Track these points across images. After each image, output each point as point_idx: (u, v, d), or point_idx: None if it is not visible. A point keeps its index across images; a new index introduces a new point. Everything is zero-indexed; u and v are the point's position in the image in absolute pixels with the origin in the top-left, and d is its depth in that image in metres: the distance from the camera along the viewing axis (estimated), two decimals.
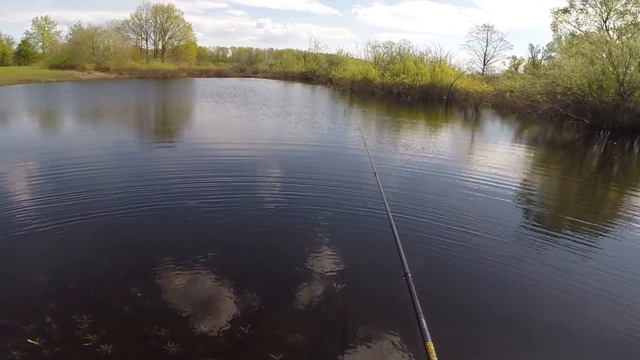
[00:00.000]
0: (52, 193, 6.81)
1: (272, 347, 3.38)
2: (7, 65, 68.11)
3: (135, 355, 3.26)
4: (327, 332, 3.73)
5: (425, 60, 37.33)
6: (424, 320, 1.00)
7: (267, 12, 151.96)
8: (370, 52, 43.83)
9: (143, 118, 18.33)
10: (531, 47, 44.42)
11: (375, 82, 35.86)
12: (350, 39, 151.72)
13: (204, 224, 5.90)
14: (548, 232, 6.54)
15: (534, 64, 39.65)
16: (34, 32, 74.97)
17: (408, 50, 39.99)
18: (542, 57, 42.12)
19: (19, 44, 74.53)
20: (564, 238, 6.28)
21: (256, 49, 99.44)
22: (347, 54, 51.86)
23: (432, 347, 0.92)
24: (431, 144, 14.24)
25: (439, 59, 37.05)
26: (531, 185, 9.84)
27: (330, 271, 4.71)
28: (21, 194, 6.87)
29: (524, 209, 7.94)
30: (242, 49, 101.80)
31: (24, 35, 74.53)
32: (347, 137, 14.40)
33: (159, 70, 50.45)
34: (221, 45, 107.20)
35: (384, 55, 41.16)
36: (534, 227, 6.77)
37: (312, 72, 52.54)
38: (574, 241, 6.11)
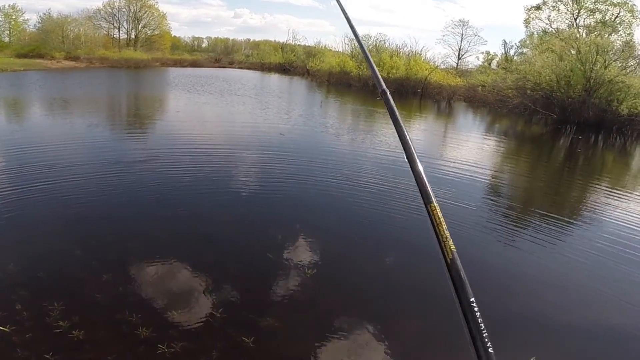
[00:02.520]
0: (21, 183, 6.67)
1: (245, 331, 3.48)
2: None
3: (107, 340, 3.30)
4: (298, 316, 3.86)
5: (401, 53, 37.69)
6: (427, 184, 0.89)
7: (245, 3, 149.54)
8: (348, 44, 43.92)
9: (114, 108, 17.96)
10: (504, 42, 45.38)
11: (352, 74, 36.02)
12: (329, 32, 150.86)
13: (175, 213, 5.94)
14: (514, 222, 6.84)
15: (506, 59, 40.61)
16: (1, 21, 71.85)
17: (384, 43, 40.30)
18: (515, 53, 43.13)
19: None
20: (528, 228, 6.59)
21: (233, 39, 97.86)
22: (325, 46, 51.83)
23: (436, 208, 0.84)
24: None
25: (414, 53, 37.47)
26: (500, 177, 10.22)
27: (302, 260, 4.83)
28: None
29: (492, 199, 8.27)
30: (219, 39, 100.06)
31: None
32: (322, 127, 14.50)
33: (131, 59, 49.23)
34: (197, 35, 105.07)
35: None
36: (500, 217, 7.07)
37: (289, 63, 52.18)
38: (538, 231, 6.42)
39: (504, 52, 45.09)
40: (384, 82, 1.31)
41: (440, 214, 0.87)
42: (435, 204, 0.89)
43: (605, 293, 4.66)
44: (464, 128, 19.42)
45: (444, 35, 54.69)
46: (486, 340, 0.72)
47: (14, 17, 72.02)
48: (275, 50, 59.53)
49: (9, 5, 71.75)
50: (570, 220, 7.29)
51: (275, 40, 67.75)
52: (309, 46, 56.38)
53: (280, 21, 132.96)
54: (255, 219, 5.98)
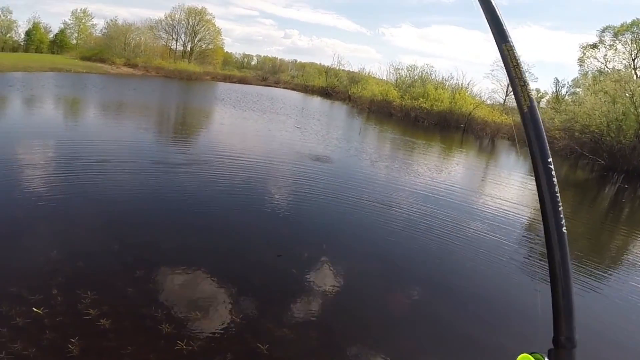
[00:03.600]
0: (72, 175, 7.17)
1: (260, 338, 3.58)
2: (42, 52, 70.56)
3: (130, 331, 3.48)
4: (313, 333, 3.91)
5: (446, 86, 37.57)
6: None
7: (296, 24, 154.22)
8: (393, 73, 44.20)
9: (163, 116, 18.86)
10: (556, 81, 44.29)
11: (394, 103, 36.11)
12: (374, 58, 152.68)
13: (208, 222, 6.17)
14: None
15: (557, 98, 39.55)
16: (71, 23, 77.55)
17: (430, 74, 40.32)
18: (566, 92, 41.95)
19: (56, 34, 77.16)
20: None
21: (280, 59, 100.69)
22: (369, 73, 52.43)
23: (512, 47, 0.73)
24: (443, 169, 14.37)
25: (460, 86, 37.27)
26: (539, 221, 9.89)
27: (324, 280, 4.88)
28: (43, 176, 7.22)
29: (530, 237, 8.05)
30: (267, 58, 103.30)
31: (62, 25, 77.18)
32: (358, 152, 14.59)
33: (184, 71, 51.44)
34: (247, 52, 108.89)
35: (405, 77, 41.56)
36: (537, 256, 6.85)
37: (332, 87, 53.04)
38: (575, 273, 6.15)
39: (555, 90, 44.02)
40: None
41: (516, 55, 0.76)
42: (511, 43, 0.76)
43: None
44: (506, 167, 18.98)
45: (492, 70, 53.90)
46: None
47: (83, 20, 77.73)
48: (319, 74, 60.70)
49: (80, 9, 77.56)
50: (611, 267, 6.99)
51: (320, 63, 69.17)
52: (352, 72, 57.12)
53: (327, 45, 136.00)
54: (283, 235, 6.11)
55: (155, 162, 9.24)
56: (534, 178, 0.80)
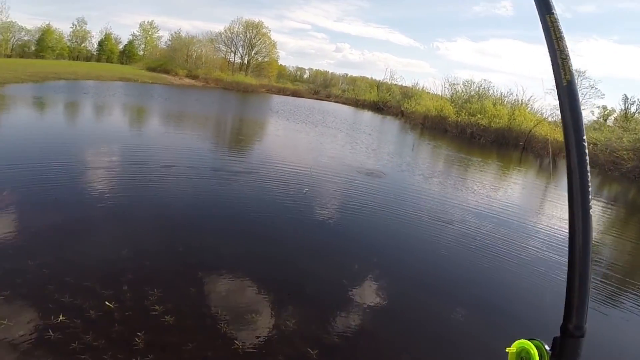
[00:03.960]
0: (138, 179, 7.69)
1: (310, 344, 3.69)
2: (112, 62, 76.27)
3: (191, 329, 3.67)
4: (362, 342, 3.93)
5: (505, 102, 36.25)
6: None
7: (347, 38, 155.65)
8: (448, 88, 43.26)
9: (222, 126, 19.68)
10: (625, 98, 41.40)
11: (449, 119, 35.18)
12: (428, 73, 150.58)
13: (266, 231, 6.35)
14: (611, 299, 6.17)
15: (625, 116, 36.98)
16: (139, 35, 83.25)
17: (488, 90, 39.04)
18: (636, 109, 39.14)
19: (125, 45, 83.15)
20: (625, 306, 5.90)
21: (332, 73, 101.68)
22: (423, 88, 51.61)
23: (557, 20, 0.69)
24: (500, 188, 13.84)
25: (520, 102, 35.80)
26: (603, 242, 9.26)
27: (374, 292, 4.87)
28: (114, 178, 7.82)
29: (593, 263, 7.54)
30: (319, 72, 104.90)
31: (130, 37, 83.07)
32: (411, 167, 14.41)
33: (241, 83, 53.26)
34: (300, 66, 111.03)
35: (462, 93, 40.55)
36: (598, 283, 6.42)
37: (383, 102, 52.71)
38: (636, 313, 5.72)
39: (623, 108, 41.13)
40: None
41: (560, 27, 0.73)
42: (555, 15, 0.73)
43: None
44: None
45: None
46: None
47: (150, 32, 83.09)
48: (371, 88, 60.68)
49: (147, 22, 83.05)
50: None
51: (371, 78, 69.24)
52: (405, 86, 56.55)
53: (378, 59, 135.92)
54: (335, 246, 6.17)
55: (214, 169, 9.69)
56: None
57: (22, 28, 74.13)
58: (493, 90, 38.70)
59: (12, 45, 72.76)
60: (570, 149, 0.74)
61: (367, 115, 42.62)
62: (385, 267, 5.68)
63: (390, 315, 4.49)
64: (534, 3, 0.76)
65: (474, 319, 4.77)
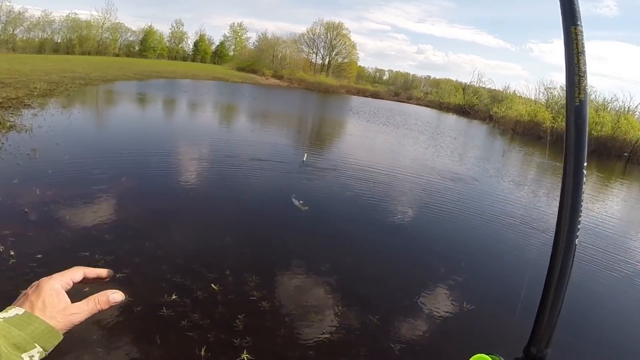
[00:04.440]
0: (239, 171, 8.15)
1: (394, 339, 3.79)
2: (205, 62, 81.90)
3: (285, 316, 3.90)
4: (447, 342, 3.83)
5: (608, 108, 32.82)
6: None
7: (430, 39, 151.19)
8: (543, 92, 40.13)
9: (303, 126, 20.18)
10: None
11: (544, 125, 32.61)
12: (520, 76, 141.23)
13: (336, 233, 6.38)
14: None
15: None
16: (230, 36, 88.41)
17: (590, 95, 35.50)
18: None
19: (217, 45, 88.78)
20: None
21: (413, 74, 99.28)
22: (514, 92, 48.34)
23: (581, 32, 0.67)
24: (598, 199, 12.54)
25: (626, 109, 32.20)
26: None
27: (443, 303, 4.66)
28: (214, 171, 8.40)
29: None
30: (399, 73, 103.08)
31: (222, 38, 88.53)
32: (499, 174, 13.60)
33: (323, 84, 54.17)
34: (379, 67, 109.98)
35: (558, 97, 37.36)
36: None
37: (470, 105, 50.17)
38: None
39: None
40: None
41: (583, 41, 0.69)
42: (580, 27, 0.69)
43: None
44: None
45: None
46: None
47: (239, 33, 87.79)
48: (456, 90, 58.13)
49: (237, 23, 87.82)
50: None
51: (456, 80, 66.38)
52: (494, 90, 53.36)
53: (464, 61, 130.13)
54: (405, 252, 6.01)
55: (297, 165, 9.97)
56: None
57: (128, 29, 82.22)
58: (595, 96, 35.11)
59: (120, 45, 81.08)
60: (568, 170, 0.70)
61: (452, 118, 40.93)
62: (474, 272, 5.47)
63: (477, 319, 4.37)
64: (560, 10, 0.70)
65: (568, 342, 4.38)
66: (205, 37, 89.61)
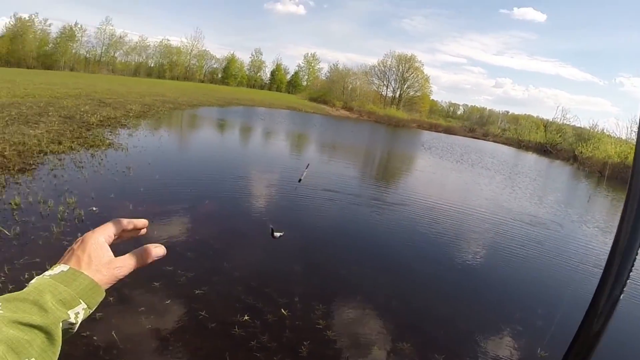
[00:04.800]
0: (304, 204, 8.36)
1: None
2: (280, 91, 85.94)
3: (348, 345, 3.89)
4: None
5: None
6: None
7: (508, 72, 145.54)
8: (635, 132, 36.65)
9: (371, 158, 20.21)
10: None
11: None
12: (609, 112, 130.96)
13: (402, 269, 6.25)
14: None
15: None
16: (303, 66, 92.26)
17: None
18: None
19: (292, 75, 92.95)
20: None
21: (489, 109, 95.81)
22: (602, 130, 44.61)
23: None
24: None
25: None
26: None
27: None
28: (288, 198, 8.68)
29: None
30: (475, 108, 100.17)
31: (296, 68, 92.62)
32: (583, 221, 12.52)
33: (393, 117, 54.02)
34: (453, 101, 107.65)
35: None
36: None
37: (552, 144, 46.90)
38: None
39: None
40: None
41: None
42: None
43: None
44: None
45: None
46: None
47: (312, 64, 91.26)
48: (536, 127, 54.93)
49: (310, 54, 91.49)
50: None
51: (537, 116, 62.95)
52: (579, 127, 49.55)
53: (546, 95, 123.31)
54: (476, 293, 5.65)
55: (364, 197, 9.98)
56: None
57: (213, 56, 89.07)
58: None
59: (205, 72, 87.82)
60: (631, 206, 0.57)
61: (531, 158, 38.59)
62: (550, 318, 4.96)
63: None
64: None
65: None
66: (282, 66, 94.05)
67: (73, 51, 75.02)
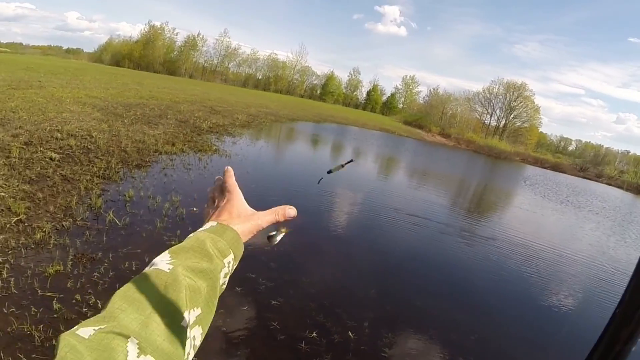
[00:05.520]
0: (390, 230, 8.32)
1: None
2: (375, 112, 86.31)
3: None
4: None
5: None
6: None
7: (634, 107, 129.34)
8: None
9: (463, 189, 19.27)
10: None
11: None
12: None
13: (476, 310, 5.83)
14: None
15: None
16: (401, 88, 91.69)
17: None
18: None
19: (388, 97, 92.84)
20: None
21: (607, 147, 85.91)
22: None
23: None
24: None
25: None
26: None
27: None
28: (367, 221, 8.74)
29: None
30: (589, 145, 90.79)
31: (393, 90, 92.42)
32: None
33: (494, 148, 50.98)
34: (565, 135, 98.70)
35: None
36: None
37: None
38: None
39: None
40: None
41: None
42: None
43: None
44: None
45: None
46: None
47: (411, 87, 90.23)
48: None
49: (409, 76, 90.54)
50: None
51: None
52: None
53: None
54: (565, 344, 5.09)
55: (450, 227, 9.56)
56: None
57: (314, 72, 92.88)
58: None
59: (305, 87, 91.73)
60: None
61: None
62: None
63: None
64: None
65: None
66: (378, 87, 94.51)
67: (194, 59, 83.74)
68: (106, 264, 4.45)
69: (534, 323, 5.61)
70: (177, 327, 0.53)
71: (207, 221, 0.73)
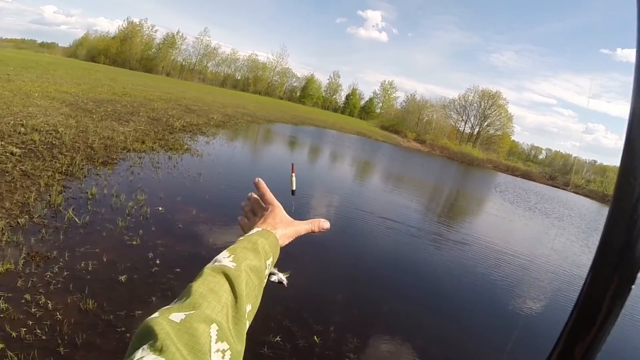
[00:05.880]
0: (362, 234, 8.28)
1: None
2: (352, 116, 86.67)
3: None
4: None
5: None
6: None
7: (603, 118, 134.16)
8: None
9: (437, 194, 19.55)
10: None
11: None
12: None
13: (456, 311, 5.86)
14: None
15: None
16: (379, 93, 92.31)
17: None
18: None
19: (366, 101, 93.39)
20: None
21: (575, 157, 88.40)
22: None
23: None
24: None
25: None
26: None
27: None
28: (346, 227, 8.68)
29: None
30: (559, 154, 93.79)
31: (372, 94, 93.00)
32: None
33: (467, 155, 52.12)
34: (536, 144, 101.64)
35: None
36: None
37: None
38: None
39: None
40: None
41: None
42: None
43: None
44: None
45: None
46: None
47: (389, 92, 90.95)
48: None
49: (388, 82, 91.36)
50: None
51: None
52: None
53: None
54: (533, 348, 5.17)
55: (422, 231, 9.63)
56: None
57: (294, 75, 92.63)
58: None
59: (285, 89, 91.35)
60: None
61: None
62: None
63: None
64: None
65: None
66: (357, 91, 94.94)
67: (172, 57, 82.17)
68: (61, 263, 4.25)
69: (500, 326, 5.70)
70: (241, 319, 0.60)
71: (253, 228, 0.81)
